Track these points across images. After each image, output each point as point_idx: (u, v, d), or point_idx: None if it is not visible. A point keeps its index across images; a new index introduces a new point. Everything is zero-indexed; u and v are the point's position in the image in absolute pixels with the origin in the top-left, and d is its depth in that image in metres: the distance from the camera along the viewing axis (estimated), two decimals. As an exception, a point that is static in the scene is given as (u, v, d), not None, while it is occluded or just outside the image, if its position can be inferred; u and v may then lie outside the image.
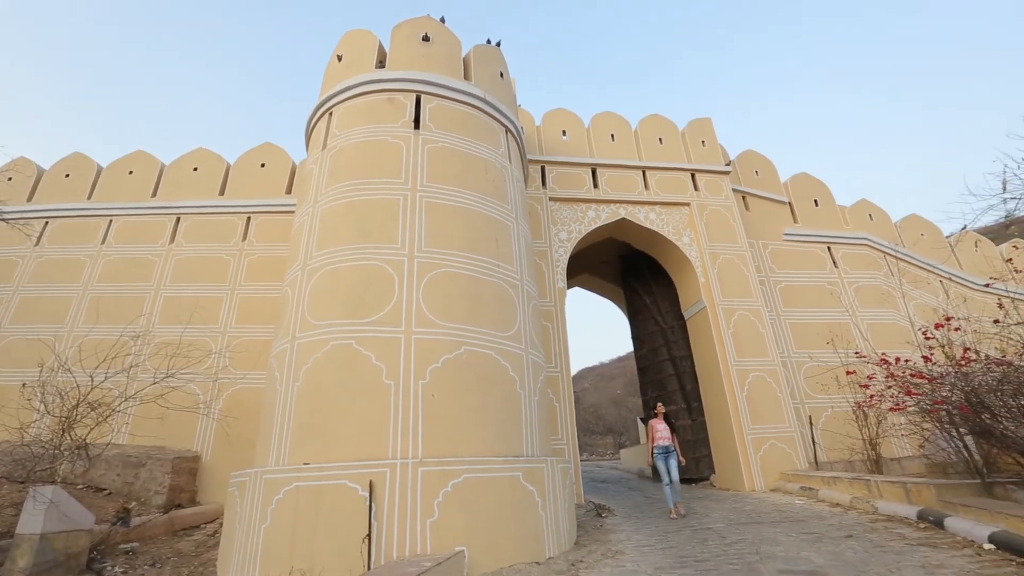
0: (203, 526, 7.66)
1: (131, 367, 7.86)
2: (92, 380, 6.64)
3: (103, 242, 11.06)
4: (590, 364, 69.09)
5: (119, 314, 9.83)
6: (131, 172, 12.00)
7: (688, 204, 12.14)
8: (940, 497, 5.78)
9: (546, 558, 5.52)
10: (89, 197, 11.68)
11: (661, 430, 7.62)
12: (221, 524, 6.93)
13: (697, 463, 11.03)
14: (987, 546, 4.51)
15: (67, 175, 11.97)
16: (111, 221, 11.31)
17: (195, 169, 12.05)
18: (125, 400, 7.20)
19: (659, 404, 8.08)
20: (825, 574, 4.18)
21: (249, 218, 11.37)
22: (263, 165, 12.15)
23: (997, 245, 14.69)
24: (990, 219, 5.58)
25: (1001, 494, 5.53)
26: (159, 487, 7.88)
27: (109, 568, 5.63)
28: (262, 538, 5.21)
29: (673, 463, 7.42)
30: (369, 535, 4.97)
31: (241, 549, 5.33)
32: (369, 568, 4.81)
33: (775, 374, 10.50)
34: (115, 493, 7.71)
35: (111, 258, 10.87)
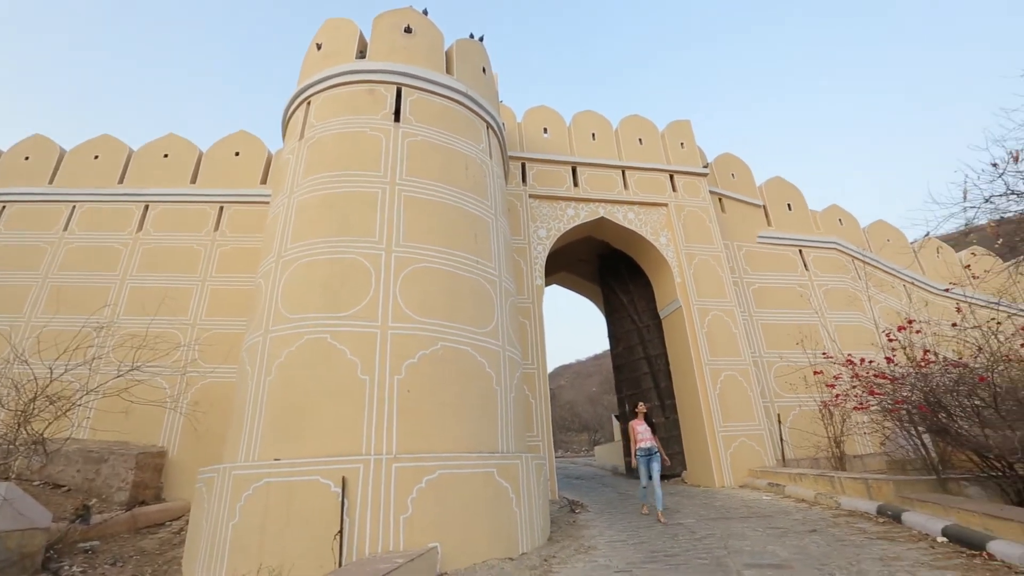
0: (168, 523, 7.44)
1: (94, 359, 7.58)
2: (51, 372, 6.37)
3: (65, 229, 10.62)
4: (567, 361, 69.68)
5: (82, 304, 9.46)
6: (96, 157, 11.53)
7: (666, 205, 12.31)
8: (898, 493, 6.01)
9: (519, 554, 5.55)
10: (51, 181, 11.19)
11: (642, 431, 7.35)
12: (187, 521, 6.74)
13: (670, 460, 11.24)
14: (940, 539, 4.72)
15: (27, 158, 11.43)
16: (74, 207, 10.87)
17: (165, 156, 11.66)
18: (86, 393, 6.95)
19: (640, 404, 7.76)
20: (790, 567, 4.31)
21: (222, 207, 11.06)
22: (237, 154, 11.83)
23: (957, 252, 15.31)
24: (951, 227, 5.82)
25: (955, 490, 5.78)
26: (122, 483, 7.62)
27: (67, 568, 5.43)
28: (230, 535, 5.09)
29: (656, 465, 7.16)
30: (341, 531, 4.91)
31: (208, 546, 5.21)
32: (340, 565, 4.75)
33: (747, 373, 10.75)
34: (75, 490, 7.43)
35: (73, 246, 10.45)
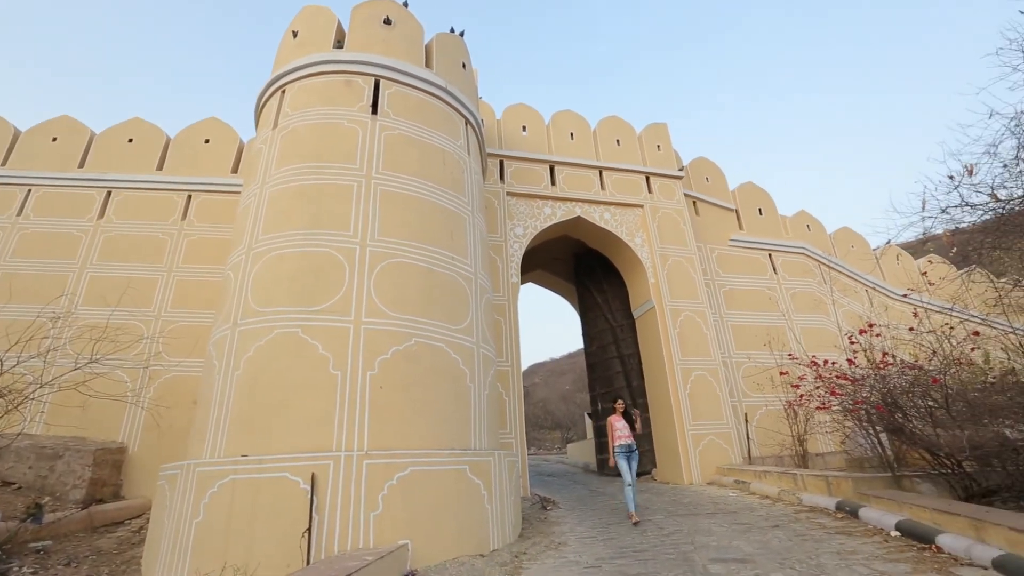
0: (128, 522, 7.18)
1: (49, 351, 7.24)
2: (1, 364, 6.06)
3: (19, 213, 10.10)
4: (541, 359, 70.01)
5: (37, 293, 9.02)
6: (55, 139, 11.00)
7: (642, 206, 12.47)
8: (856, 489, 6.25)
9: (490, 550, 5.56)
10: (3, 163, 10.62)
11: (621, 427, 7.06)
12: (148, 520, 6.52)
13: (640, 457, 11.42)
14: (894, 533, 4.93)
15: (-22, 138, 10.83)
16: (29, 191, 10.34)
17: (130, 140, 11.20)
18: (40, 387, 6.62)
19: (618, 400, 7.40)
20: (753, 562, 4.43)
21: (190, 196, 10.70)
22: (207, 141, 11.46)
23: (915, 259, 16.00)
24: (911, 235, 6.07)
25: (908, 486, 6.05)
26: (78, 480, 7.32)
27: (16, 568, 5.19)
28: (194, 533, 4.96)
29: (635, 464, 6.95)
30: (310, 529, 4.83)
31: (170, 545, 5.05)
32: (308, 563, 4.67)
33: (716, 373, 11.00)
34: (26, 487, 7.10)
35: (28, 231, 9.94)
